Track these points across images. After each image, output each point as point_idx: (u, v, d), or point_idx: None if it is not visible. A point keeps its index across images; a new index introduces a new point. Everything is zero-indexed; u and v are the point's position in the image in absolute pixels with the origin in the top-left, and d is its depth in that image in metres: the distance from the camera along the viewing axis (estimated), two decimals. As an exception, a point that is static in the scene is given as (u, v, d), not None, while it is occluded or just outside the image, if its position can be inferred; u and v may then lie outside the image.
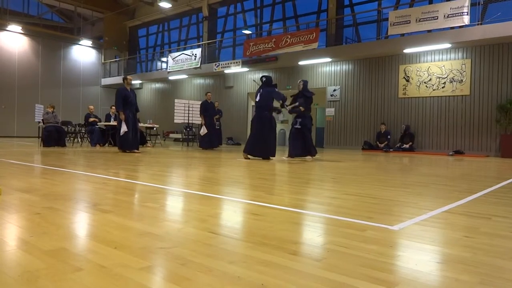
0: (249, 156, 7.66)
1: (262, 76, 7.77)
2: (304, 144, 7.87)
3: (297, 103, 7.89)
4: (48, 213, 2.29)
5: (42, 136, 10.91)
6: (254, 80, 10.39)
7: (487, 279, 1.39)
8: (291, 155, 7.92)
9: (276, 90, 7.69)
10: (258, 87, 7.86)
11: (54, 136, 10.72)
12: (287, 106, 7.83)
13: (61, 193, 3.03)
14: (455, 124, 11.97)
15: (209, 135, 11.55)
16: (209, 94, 12.17)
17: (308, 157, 7.93)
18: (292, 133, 8.01)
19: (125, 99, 8.87)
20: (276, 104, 7.85)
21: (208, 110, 11.70)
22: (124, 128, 8.82)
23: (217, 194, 3.27)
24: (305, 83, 8.18)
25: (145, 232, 1.93)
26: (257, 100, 7.62)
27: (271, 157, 7.62)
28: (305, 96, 8.02)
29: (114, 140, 11.56)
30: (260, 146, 7.49)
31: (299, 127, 7.88)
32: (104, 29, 23.38)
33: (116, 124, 11.53)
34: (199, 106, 14.50)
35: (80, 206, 2.59)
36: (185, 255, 1.57)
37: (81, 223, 2.19)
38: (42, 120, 11.16)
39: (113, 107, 12.74)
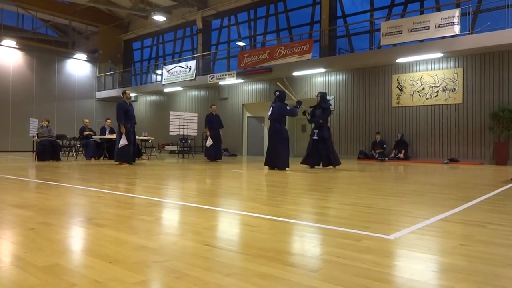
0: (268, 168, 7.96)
1: (276, 91, 8.15)
2: (318, 154, 8.26)
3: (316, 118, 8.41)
4: (42, 229, 2.28)
5: (36, 150, 10.84)
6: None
7: (483, 287, 1.39)
8: (307, 163, 8.40)
9: (288, 107, 7.98)
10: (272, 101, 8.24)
11: (48, 150, 10.66)
12: (308, 114, 8.49)
13: (56, 208, 3.00)
14: (449, 132, 12.05)
15: (215, 147, 11.57)
16: (214, 106, 12.20)
17: (330, 167, 8.25)
18: (309, 143, 8.47)
19: (125, 112, 9.14)
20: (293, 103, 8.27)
21: (213, 122, 11.72)
22: (124, 141, 8.94)
23: (213, 206, 3.26)
24: (323, 95, 8.75)
25: (140, 245, 1.92)
26: (269, 113, 8.02)
27: (284, 168, 7.74)
28: (322, 108, 8.51)
29: (109, 153, 11.51)
30: (272, 157, 7.81)
31: (316, 138, 8.31)
32: (98, 43, 23.43)
33: (111, 137, 11.52)
34: (194, 118, 14.61)
35: (75, 220, 2.57)
36: (181, 268, 1.56)
37: (75, 238, 2.17)
38: (37, 134, 11.09)
39: (108, 120, 12.75)
